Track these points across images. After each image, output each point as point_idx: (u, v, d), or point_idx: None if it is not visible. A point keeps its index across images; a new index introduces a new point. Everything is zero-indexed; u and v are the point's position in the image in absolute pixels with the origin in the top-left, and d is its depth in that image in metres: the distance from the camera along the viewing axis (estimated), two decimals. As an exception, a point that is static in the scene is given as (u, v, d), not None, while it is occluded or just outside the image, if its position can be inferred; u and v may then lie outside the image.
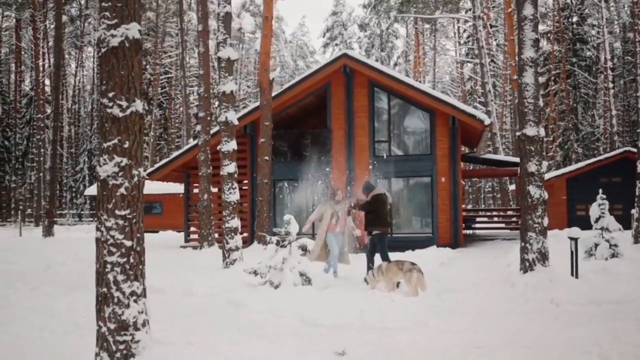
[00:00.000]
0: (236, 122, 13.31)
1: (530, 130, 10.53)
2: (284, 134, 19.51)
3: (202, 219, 18.11)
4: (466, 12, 43.29)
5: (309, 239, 15.33)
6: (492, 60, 44.28)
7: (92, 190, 38.59)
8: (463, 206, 45.49)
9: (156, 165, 21.96)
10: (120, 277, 5.18)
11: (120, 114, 5.21)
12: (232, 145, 13.01)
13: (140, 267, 5.34)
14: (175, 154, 21.64)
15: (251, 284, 9.99)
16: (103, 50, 5.23)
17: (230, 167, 12.93)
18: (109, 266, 5.18)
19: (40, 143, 39.07)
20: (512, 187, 34.16)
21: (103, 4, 5.25)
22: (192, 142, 21.11)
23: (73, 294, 9.42)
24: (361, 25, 62.32)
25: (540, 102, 10.73)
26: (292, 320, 7.77)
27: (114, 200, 5.20)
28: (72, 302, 8.62)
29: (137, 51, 5.31)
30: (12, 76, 53.70)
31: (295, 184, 19.98)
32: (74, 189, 53.30)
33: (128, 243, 5.22)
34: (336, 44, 61.91)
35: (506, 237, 21.53)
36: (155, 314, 8.10)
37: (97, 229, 5.27)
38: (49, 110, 36.43)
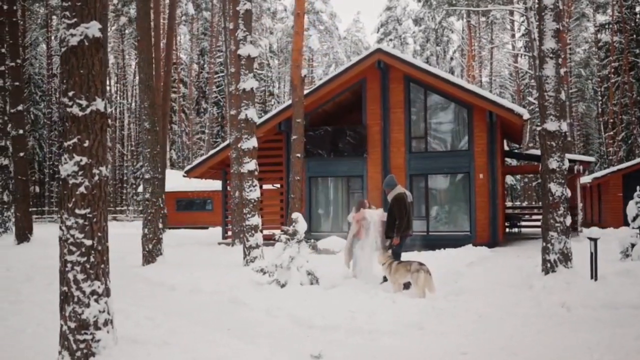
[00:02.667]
0: (256, 120, 13.26)
1: (551, 125, 10.04)
2: (320, 130, 19.34)
3: (234, 216, 18.21)
4: (524, 3, 41.87)
5: (337, 237, 15.25)
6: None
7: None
8: (509, 203, 44.02)
9: (193, 163, 22.24)
10: (80, 276, 5.18)
11: (80, 113, 5.21)
12: (252, 142, 12.97)
13: (102, 266, 5.32)
14: (211, 152, 21.86)
15: (259, 282, 9.95)
16: (63, 49, 5.24)
17: (250, 165, 12.89)
18: (69, 265, 5.20)
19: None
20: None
21: (64, 3, 5.25)
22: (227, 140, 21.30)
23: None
24: (416, 19, 61.13)
25: (562, 96, 10.17)
26: (285, 321, 7.65)
27: (74, 199, 5.20)
28: (77, 298, 8.76)
29: (98, 50, 5.29)
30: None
31: (331, 180, 19.84)
32: (134, 186, 54.74)
33: (88, 242, 5.21)
34: (390, 39, 60.92)
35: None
36: (154, 311, 8.21)
37: (60, 227, 5.30)
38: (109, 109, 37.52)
